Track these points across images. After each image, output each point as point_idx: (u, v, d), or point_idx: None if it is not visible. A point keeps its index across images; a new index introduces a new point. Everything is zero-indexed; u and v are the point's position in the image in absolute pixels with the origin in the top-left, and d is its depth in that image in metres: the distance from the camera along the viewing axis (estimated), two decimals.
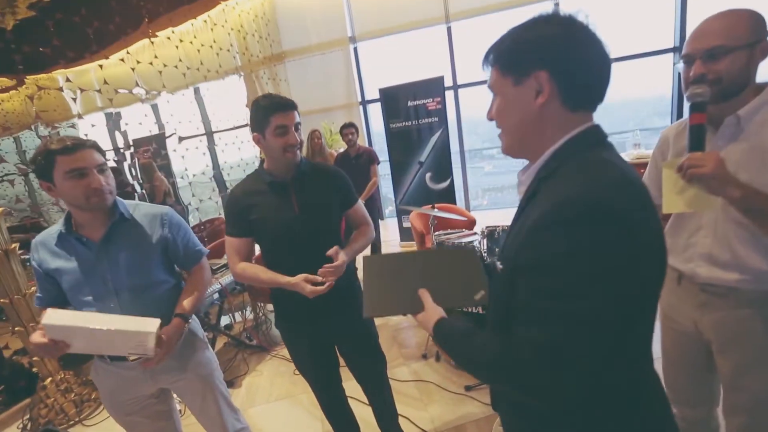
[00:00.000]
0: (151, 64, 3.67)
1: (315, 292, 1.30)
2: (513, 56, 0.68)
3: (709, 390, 1.28)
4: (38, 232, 1.36)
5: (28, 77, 2.91)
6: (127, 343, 1.16)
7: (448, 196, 4.84)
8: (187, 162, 4.17)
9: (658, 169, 1.23)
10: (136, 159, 4.41)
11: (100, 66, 3.33)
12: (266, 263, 1.46)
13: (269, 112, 1.33)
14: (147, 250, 1.36)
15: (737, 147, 1.01)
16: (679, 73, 1.23)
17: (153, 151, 4.38)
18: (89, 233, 1.29)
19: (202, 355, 1.48)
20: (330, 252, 1.36)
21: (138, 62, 3.59)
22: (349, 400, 1.79)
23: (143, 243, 1.35)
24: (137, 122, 3.92)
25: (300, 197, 1.42)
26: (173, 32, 3.97)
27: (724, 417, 1.22)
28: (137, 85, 3.65)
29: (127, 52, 3.57)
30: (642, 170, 1.33)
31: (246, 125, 4.62)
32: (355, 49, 5.73)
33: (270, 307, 3.24)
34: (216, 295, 2.72)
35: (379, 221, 4.40)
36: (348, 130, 3.79)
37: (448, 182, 4.85)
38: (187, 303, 1.39)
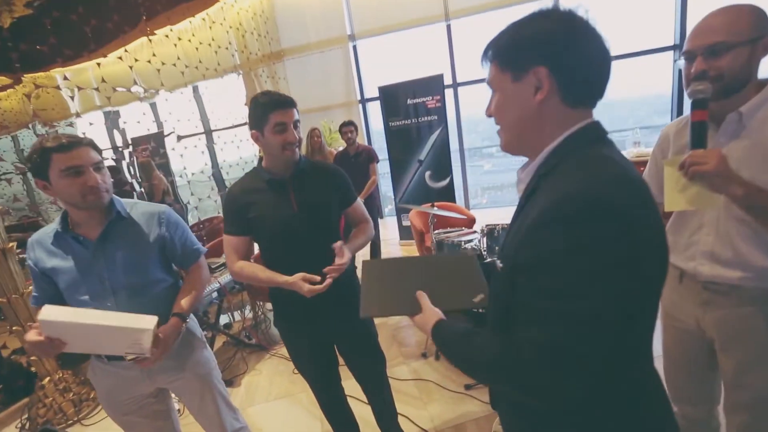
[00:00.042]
0: (149, 62, 3.65)
1: (313, 291, 1.29)
2: (512, 52, 0.67)
3: (710, 388, 1.28)
4: (36, 231, 1.35)
5: (25, 75, 2.90)
6: (124, 341, 1.15)
7: (448, 194, 4.83)
8: (186, 160, 4.15)
9: (658, 167, 1.22)
10: (135, 158, 4.40)
11: (98, 64, 3.31)
12: (265, 262, 1.45)
13: (268, 110, 1.32)
14: (144, 249, 1.35)
15: (739, 144, 1.01)
16: (680, 70, 1.22)
17: (151, 149, 4.37)
18: (86, 232, 1.28)
19: (200, 354, 1.47)
20: (335, 245, 1.36)
21: (136, 60, 3.57)
22: (349, 399, 1.79)
23: (140, 242, 1.34)
24: (135, 121, 3.90)
25: (299, 195, 1.41)
26: (171, 30, 3.95)
27: (725, 415, 1.22)
28: (135, 83, 3.63)
29: (125, 50, 3.54)
30: (642, 168, 1.32)
31: (245, 124, 4.60)
32: (355, 47, 5.72)
33: (269, 305, 3.24)
34: (215, 294, 2.71)
35: (379, 220, 4.39)
36: (347, 128, 3.78)
37: (447, 180, 4.84)
38: (184, 302, 1.38)
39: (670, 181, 1.01)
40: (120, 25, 3.43)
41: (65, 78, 3.10)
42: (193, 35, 4.22)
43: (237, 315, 3.59)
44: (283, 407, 2.39)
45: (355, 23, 5.55)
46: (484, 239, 2.56)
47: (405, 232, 5.04)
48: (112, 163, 4.09)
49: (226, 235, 1.45)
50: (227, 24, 4.76)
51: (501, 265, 0.71)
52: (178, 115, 4.17)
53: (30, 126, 3.16)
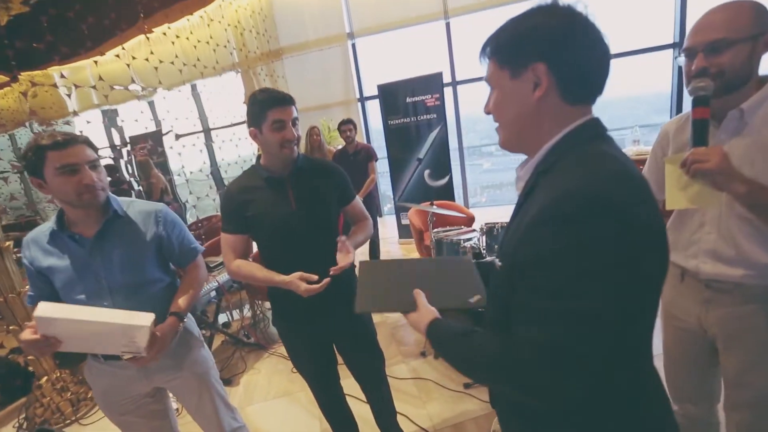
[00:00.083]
0: (147, 60, 3.63)
1: (309, 291, 1.27)
2: (510, 48, 0.66)
3: (710, 387, 1.28)
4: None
5: (22, 73, 2.88)
6: (120, 339, 1.14)
7: (447, 193, 4.83)
8: (184, 159, 4.13)
9: (658, 165, 1.22)
10: (133, 156, 4.39)
11: (95, 62, 3.30)
12: (263, 260, 1.45)
13: (266, 107, 1.31)
14: (141, 248, 1.34)
15: (741, 141, 1.00)
16: (680, 68, 1.21)
17: (150, 148, 4.36)
18: (82, 230, 1.27)
19: (198, 353, 1.47)
20: (339, 239, 1.36)
21: (134, 58, 3.55)
22: (348, 398, 1.78)
23: (137, 240, 1.33)
24: (133, 119, 3.88)
25: (297, 193, 1.41)
26: (169, 28, 3.93)
27: (724, 413, 1.22)
28: (133, 81, 3.61)
29: (123, 48, 3.53)
30: (641, 167, 1.31)
31: (243, 122, 4.58)
32: (353, 46, 5.70)
33: (268, 304, 3.23)
34: (213, 293, 2.70)
35: (378, 218, 4.38)
36: (346, 126, 3.77)
37: (446, 179, 4.83)
38: (182, 301, 1.37)
39: (671, 179, 1.00)
40: (117, 23, 3.42)
41: (62, 76, 3.08)
42: (191, 33, 4.20)
43: (235, 314, 3.58)
44: (281, 406, 2.38)
45: (354, 21, 5.53)
46: (484, 238, 2.55)
47: (404, 231, 5.03)
48: (110, 162, 4.08)
49: (224, 234, 1.44)
50: (225, 22, 4.75)
51: (500, 263, 0.70)
52: (176, 113, 4.16)
53: (27, 124, 3.14)
